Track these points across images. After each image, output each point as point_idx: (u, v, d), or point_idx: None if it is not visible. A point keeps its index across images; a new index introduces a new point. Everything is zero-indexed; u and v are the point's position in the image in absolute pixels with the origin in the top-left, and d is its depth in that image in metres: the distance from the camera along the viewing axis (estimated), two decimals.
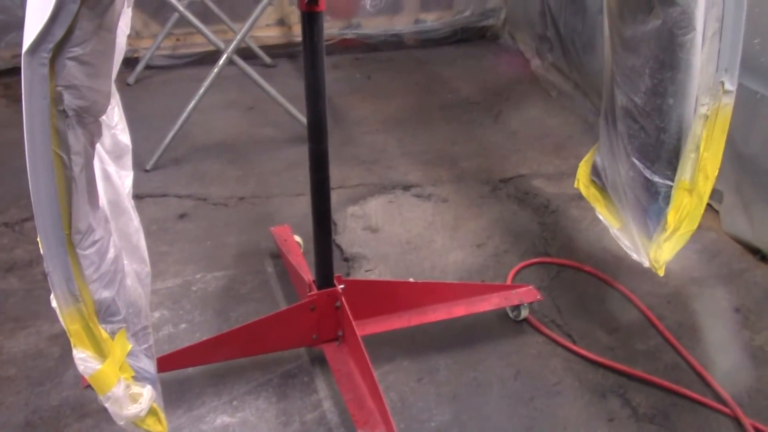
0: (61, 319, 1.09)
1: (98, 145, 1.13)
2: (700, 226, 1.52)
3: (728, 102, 1.36)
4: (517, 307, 1.87)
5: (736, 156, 2.04)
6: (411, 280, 2.00)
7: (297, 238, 2.09)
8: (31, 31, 0.93)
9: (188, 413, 1.63)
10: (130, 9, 1.28)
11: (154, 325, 1.83)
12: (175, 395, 1.65)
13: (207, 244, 2.21)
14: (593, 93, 2.93)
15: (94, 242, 1.07)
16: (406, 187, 2.52)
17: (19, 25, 3.47)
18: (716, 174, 1.41)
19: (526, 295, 1.86)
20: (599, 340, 1.83)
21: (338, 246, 2.18)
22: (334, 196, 1.59)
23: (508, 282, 2.02)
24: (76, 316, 1.07)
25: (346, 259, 2.14)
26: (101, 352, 1.10)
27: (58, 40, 0.93)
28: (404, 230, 2.28)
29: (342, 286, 1.67)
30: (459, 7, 3.81)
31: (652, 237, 1.51)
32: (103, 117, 1.13)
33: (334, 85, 3.29)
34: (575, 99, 3.08)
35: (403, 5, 3.78)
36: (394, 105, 3.18)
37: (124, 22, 1.22)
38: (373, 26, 3.76)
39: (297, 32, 3.66)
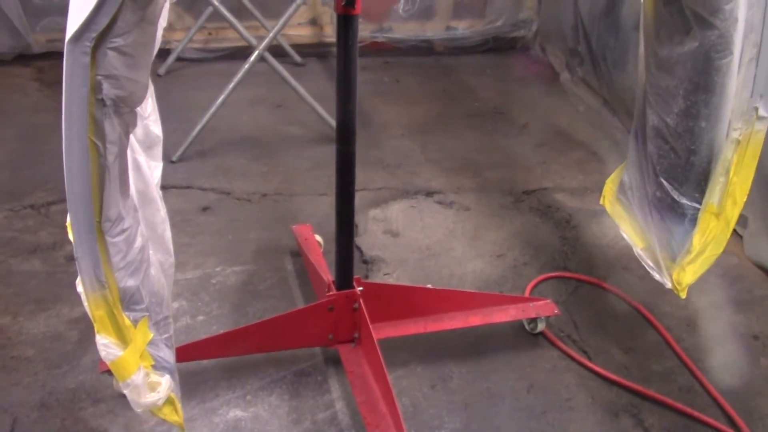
0: (86, 304, 1.10)
1: (131, 135, 1.14)
2: (722, 251, 1.51)
3: (761, 128, 1.35)
4: (533, 320, 1.86)
5: (764, 182, 2.02)
6: (429, 286, 2.00)
7: (318, 238, 2.10)
8: (75, 20, 0.94)
9: (201, 405, 1.64)
10: (168, 2, 1.29)
11: (173, 316, 1.84)
12: (189, 386, 1.66)
13: (228, 238, 2.23)
14: (622, 110, 2.92)
15: (123, 230, 1.08)
16: (429, 194, 2.53)
17: (54, 10, 3.53)
18: (744, 199, 1.40)
19: (544, 308, 1.85)
20: (615, 358, 1.83)
21: (358, 248, 2.19)
22: (357, 198, 1.60)
23: (526, 294, 2.01)
24: (101, 303, 1.09)
25: (365, 262, 2.15)
26: (123, 339, 1.12)
27: (101, 29, 0.94)
28: (424, 236, 2.28)
29: (361, 288, 1.67)
30: (491, 17, 3.81)
31: (676, 259, 1.50)
32: (138, 107, 1.15)
33: (362, 88, 3.26)
34: (603, 115, 3.07)
35: (436, 12, 3.78)
36: (421, 110, 3.18)
37: (163, 15, 1.24)
38: (405, 31, 3.77)
39: (328, 32, 3.68)
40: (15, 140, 2.71)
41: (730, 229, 1.43)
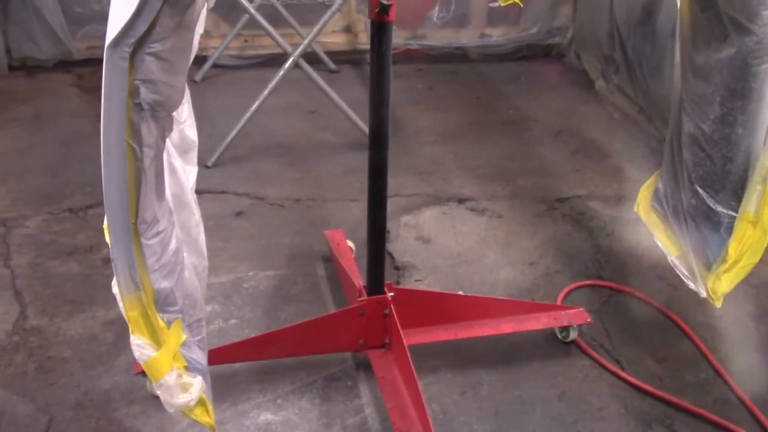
0: (121, 305, 1.12)
1: (167, 139, 1.16)
2: (759, 260, 1.48)
3: None
4: (566, 328, 1.85)
5: None
6: (460, 293, 2.00)
7: (350, 243, 2.11)
8: (114, 26, 0.96)
9: (233, 407, 1.65)
10: (206, 9, 1.31)
11: (205, 319, 1.86)
12: (221, 389, 1.67)
13: (261, 242, 2.25)
14: (657, 118, 2.89)
15: (158, 233, 1.10)
16: (461, 200, 2.52)
17: (95, 17, 3.58)
18: None
19: (576, 316, 1.84)
20: (648, 368, 1.80)
21: (390, 254, 2.19)
22: (389, 205, 1.60)
23: (558, 302, 2.00)
24: (136, 304, 1.11)
25: (396, 268, 2.15)
26: (157, 340, 1.13)
27: (139, 35, 0.96)
28: (456, 243, 2.28)
29: (392, 294, 1.67)
30: (526, 24, 3.80)
31: (711, 267, 1.48)
32: (174, 112, 1.17)
33: (395, 95, 3.26)
34: (638, 123, 3.04)
35: (470, 19, 3.78)
36: (454, 118, 3.18)
37: (199, 21, 1.26)
38: (438, 38, 3.77)
39: (362, 40, 3.70)
40: (55, 145, 2.76)
41: None
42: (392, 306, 1.66)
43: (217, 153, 2.67)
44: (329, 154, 2.82)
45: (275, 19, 3.22)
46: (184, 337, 1.19)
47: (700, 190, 1.47)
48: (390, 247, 2.23)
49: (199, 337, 1.25)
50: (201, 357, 1.24)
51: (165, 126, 1.08)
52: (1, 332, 1.84)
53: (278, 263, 2.15)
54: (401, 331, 1.62)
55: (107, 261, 2.10)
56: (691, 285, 1.56)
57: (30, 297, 1.98)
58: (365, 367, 1.76)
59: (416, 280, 2.10)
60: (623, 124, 3.12)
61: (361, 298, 1.67)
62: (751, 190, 1.39)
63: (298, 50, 2.74)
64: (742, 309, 1.98)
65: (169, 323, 1.16)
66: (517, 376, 1.77)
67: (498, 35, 3.82)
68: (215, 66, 3.51)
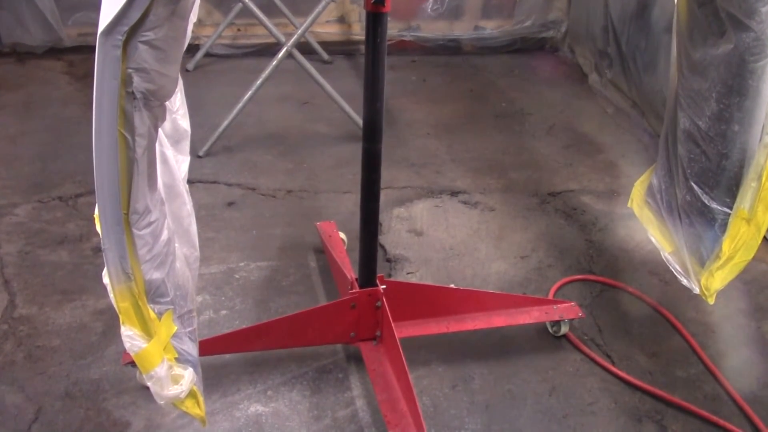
0: (111, 295, 1.11)
1: (159, 129, 1.15)
2: (752, 257, 1.49)
3: None
4: (557, 323, 1.85)
5: None
6: (452, 286, 2.00)
7: (342, 235, 2.10)
8: (107, 13, 0.94)
9: (223, 399, 1.65)
10: None
11: (196, 310, 1.86)
12: (211, 380, 1.67)
13: (253, 233, 2.23)
14: (651, 113, 2.89)
15: (150, 223, 1.09)
16: (454, 193, 2.52)
17: (86, 4, 3.55)
18: None
19: (568, 311, 1.84)
20: (639, 363, 1.81)
21: (382, 246, 2.19)
22: (381, 197, 1.59)
23: (550, 296, 2.00)
24: (127, 294, 1.10)
25: (388, 260, 2.14)
26: (148, 332, 1.12)
27: (133, 23, 0.94)
28: (448, 236, 2.28)
29: (384, 286, 1.67)
30: (520, 17, 3.78)
31: (704, 264, 1.48)
32: (167, 101, 1.15)
33: (389, 86, 3.26)
34: (632, 118, 3.03)
35: (464, 11, 3.76)
36: (448, 110, 3.17)
37: (193, 10, 1.25)
38: (432, 30, 3.75)
39: (356, 30, 3.68)
40: (45, 133, 2.74)
41: (761, 235, 1.41)
42: (384, 298, 1.65)
43: (209, 143, 2.66)
44: (322, 145, 2.81)
45: (268, 8, 3.20)
46: (175, 328, 1.18)
47: (695, 187, 1.47)
48: (382, 239, 2.22)
49: (190, 329, 1.24)
50: (192, 348, 1.23)
51: (158, 115, 1.07)
52: None
53: (270, 254, 2.14)
54: (393, 324, 1.62)
55: (97, 250, 2.09)
56: (684, 281, 1.56)
57: (19, 286, 1.96)
58: (356, 359, 1.76)
59: (408, 273, 2.10)
60: (616, 118, 3.12)
61: (353, 290, 1.67)
62: (745, 187, 1.39)
63: (292, 40, 2.72)
64: (733, 305, 1.99)
65: (160, 314, 1.15)
66: (509, 369, 1.77)
67: (492, 28, 3.81)
68: (208, 55, 3.48)
